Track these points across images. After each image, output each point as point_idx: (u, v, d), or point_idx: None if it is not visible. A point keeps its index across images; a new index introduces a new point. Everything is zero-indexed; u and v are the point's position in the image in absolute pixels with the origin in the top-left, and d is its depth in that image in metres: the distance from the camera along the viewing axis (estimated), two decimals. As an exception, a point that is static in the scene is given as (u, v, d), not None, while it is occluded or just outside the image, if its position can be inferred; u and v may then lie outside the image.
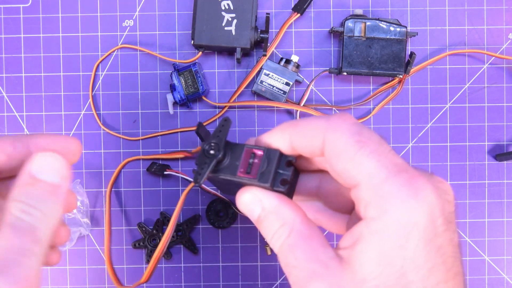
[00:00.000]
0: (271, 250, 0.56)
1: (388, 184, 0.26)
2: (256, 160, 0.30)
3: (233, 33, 0.51)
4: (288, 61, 0.54)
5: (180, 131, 0.55)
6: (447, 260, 0.26)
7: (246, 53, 0.55)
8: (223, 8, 0.51)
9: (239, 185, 0.30)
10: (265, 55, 0.52)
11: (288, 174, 0.29)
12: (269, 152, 0.29)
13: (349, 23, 0.52)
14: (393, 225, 0.25)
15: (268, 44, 0.53)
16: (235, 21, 0.51)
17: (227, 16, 0.51)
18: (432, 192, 0.26)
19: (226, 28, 0.51)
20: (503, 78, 0.56)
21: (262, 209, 0.29)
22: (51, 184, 0.26)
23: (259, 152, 0.30)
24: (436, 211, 0.26)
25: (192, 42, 0.52)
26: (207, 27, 0.51)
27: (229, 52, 0.55)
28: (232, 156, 0.31)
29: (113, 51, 0.55)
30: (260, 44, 0.53)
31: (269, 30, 0.53)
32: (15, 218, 0.24)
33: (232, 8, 0.51)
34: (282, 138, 0.30)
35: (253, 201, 0.30)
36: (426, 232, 0.25)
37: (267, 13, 0.52)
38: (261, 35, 0.52)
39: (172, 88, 0.53)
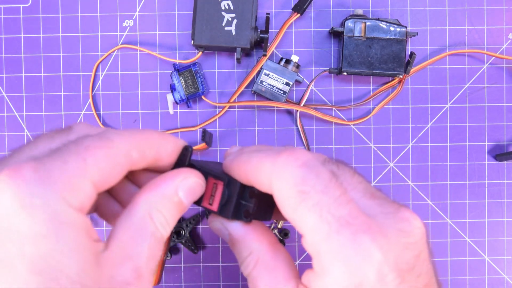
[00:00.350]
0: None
1: (329, 242, 0.24)
2: (217, 191, 0.29)
3: (233, 33, 0.51)
4: (288, 61, 0.54)
5: (180, 131, 0.55)
6: None
7: (246, 53, 0.55)
8: (223, 8, 0.51)
9: None
10: (265, 55, 0.52)
11: (250, 206, 0.28)
12: (230, 182, 0.28)
13: (349, 23, 0.52)
14: (334, 287, 0.24)
15: (268, 44, 0.53)
16: (235, 21, 0.51)
17: (227, 16, 0.51)
18: (378, 249, 0.24)
19: (226, 28, 0.51)
20: (503, 78, 0.56)
21: (229, 237, 0.29)
22: (184, 206, 0.27)
23: (221, 183, 0.29)
24: (385, 267, 0.24)
25: (192, 42, 0.52)
26: (207, 27, 0.51)
27: (229, 52, 0.55)
28: None
29: (113, 51, 0.55)
30: (260, 44, 0.53)
31: (269, 30, 0.53)
32: (155, 229, 0.26)
33: (232, 8, 0.51)
34: (239, 174, 0.28)
35: (221, 229, 0.30)
36: None
37: (267, 13, 0.52)
38: (261, 35, 0.52)
39: (172, 88, 0.53)
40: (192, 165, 0.29)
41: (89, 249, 0.23)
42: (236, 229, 0.29)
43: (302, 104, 0.54)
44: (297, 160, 0.25)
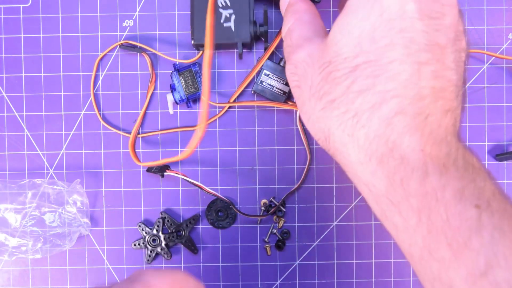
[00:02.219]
0: (271, 250, 0.55)
1: None
2: None
3: (233, 29, 0.51)
4: (288, 61, 0.54)
5: (180, 131, 0.55)
6: (409, 45, 0.27)
7: (247, 48, 0.55)
8: (220, 5, 0.51)
9: None
10: (268, 46, 0.52)
11: None
12: None
13: (349, 23, 0.52)
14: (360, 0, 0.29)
15: (268, 44, 0.53)
16: (233, 16, 0.51)
17: (225, 13, 0.51)
18: None
19: (225, 25, 0.51)
20: (503, 78, 0.56)
21: (289, 3, 0.39)
22: None
23: None
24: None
25: (192, 42, 0.52)
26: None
27: (229, 49, 0.55)
28: None
29: (114, 47, 0.55)
30: (261, 38, 0.53)
31: (269, 30, 0.53)
32: None
33: (229, 4, 0.51)
34: None
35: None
36: (388, 11, 0.27)
37: (264, 8, 0.52)
38: (260, 29, 0.51)
39: (172, 88, 0.54)
40: None
41: None
42: None
43: (302, 104, 0.54)
44: None
